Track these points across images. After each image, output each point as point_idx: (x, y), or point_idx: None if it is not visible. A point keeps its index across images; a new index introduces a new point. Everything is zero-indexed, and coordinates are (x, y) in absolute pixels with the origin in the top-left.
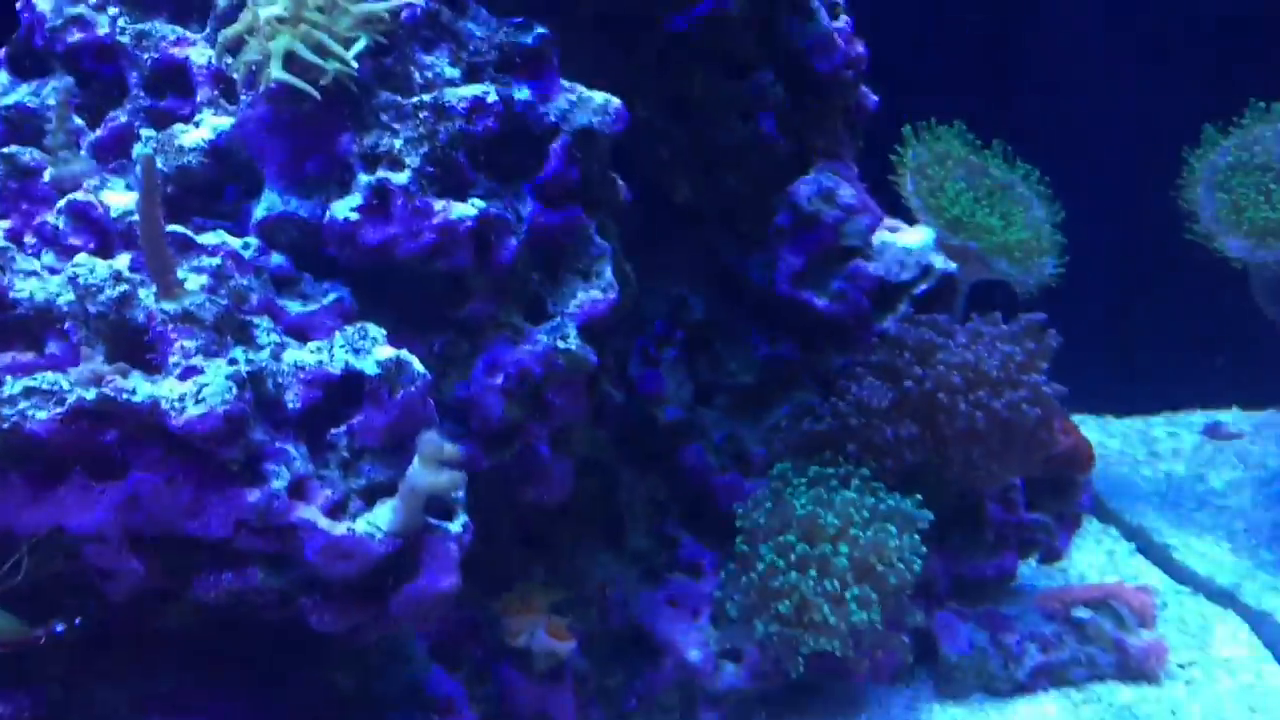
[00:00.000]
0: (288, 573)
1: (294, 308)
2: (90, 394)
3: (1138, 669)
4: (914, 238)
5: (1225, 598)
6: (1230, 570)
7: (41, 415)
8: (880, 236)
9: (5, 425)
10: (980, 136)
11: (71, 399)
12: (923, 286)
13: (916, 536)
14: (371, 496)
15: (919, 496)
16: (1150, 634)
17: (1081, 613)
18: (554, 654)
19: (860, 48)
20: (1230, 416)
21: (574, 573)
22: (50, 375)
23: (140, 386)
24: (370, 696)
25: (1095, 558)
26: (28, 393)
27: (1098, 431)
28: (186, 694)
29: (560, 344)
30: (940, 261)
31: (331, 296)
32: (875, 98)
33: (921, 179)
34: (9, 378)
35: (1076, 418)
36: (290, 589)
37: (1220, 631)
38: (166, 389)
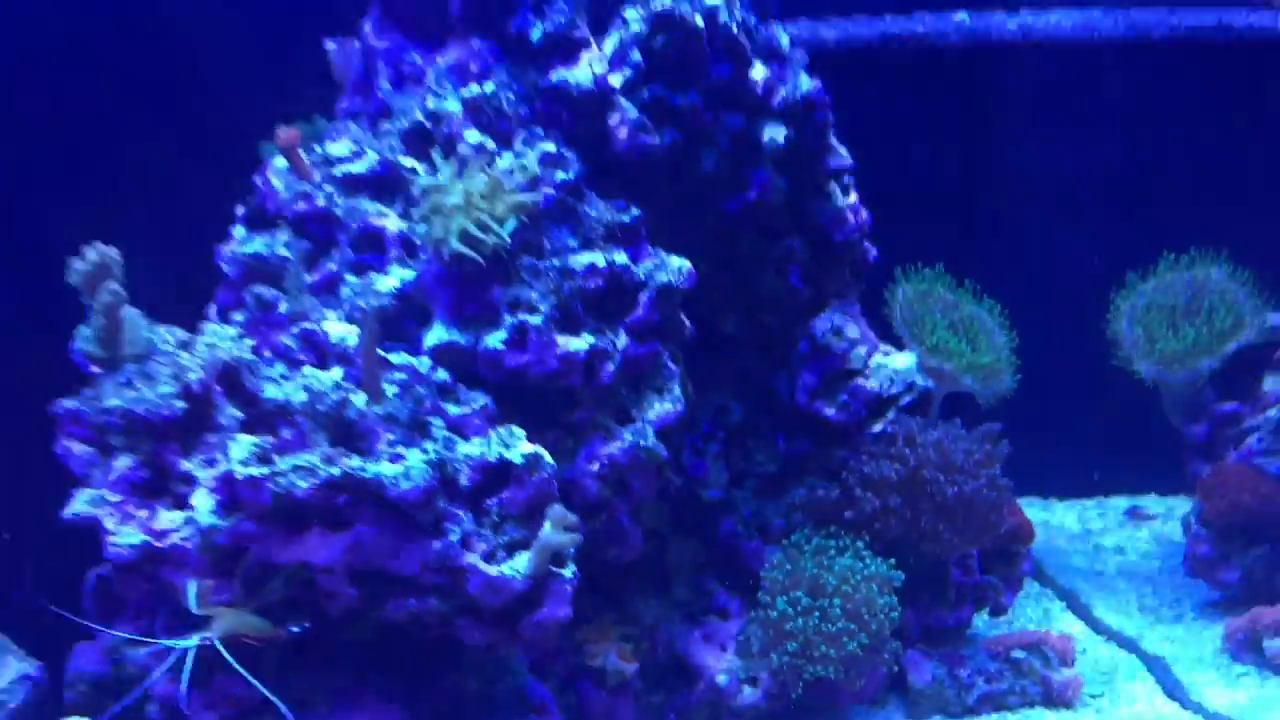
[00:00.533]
0: (453, 600)
1: (452, 410)
2: (336, 470)
3: (1059, 698)
4: (901, 361)
5: (1130, 645)
6: (1136, 624)
7: (303, 484)
8: (875, 360)
9: (280, 490)
10: (955, 276)
11: (323, 474)
12: (907, 399)
13: (894, 596)
14: (512, 550)
15: (893, 560)
16: (1070, 671)
17: (1018, 653)
18: (621, 672)
19: (865, 215)
20: (1149, 501)
21: (633, 614)
22: (307, 455)
23: (368, 466)
24: (489, 697)
25: (1033, 613)
26: (295, 469)
27: (1042, 511)
28: (358, 690)
29: (641, 442)
30: (921, 379)
31: (480, 403)
32: (875, 251)
33: (907, 311)
34: (276, 456)
35: (1025, 499)
36: (451, 613)
37: (1124, 670)
38: (384, 469)
